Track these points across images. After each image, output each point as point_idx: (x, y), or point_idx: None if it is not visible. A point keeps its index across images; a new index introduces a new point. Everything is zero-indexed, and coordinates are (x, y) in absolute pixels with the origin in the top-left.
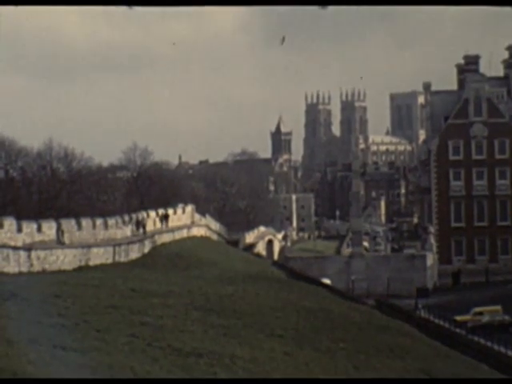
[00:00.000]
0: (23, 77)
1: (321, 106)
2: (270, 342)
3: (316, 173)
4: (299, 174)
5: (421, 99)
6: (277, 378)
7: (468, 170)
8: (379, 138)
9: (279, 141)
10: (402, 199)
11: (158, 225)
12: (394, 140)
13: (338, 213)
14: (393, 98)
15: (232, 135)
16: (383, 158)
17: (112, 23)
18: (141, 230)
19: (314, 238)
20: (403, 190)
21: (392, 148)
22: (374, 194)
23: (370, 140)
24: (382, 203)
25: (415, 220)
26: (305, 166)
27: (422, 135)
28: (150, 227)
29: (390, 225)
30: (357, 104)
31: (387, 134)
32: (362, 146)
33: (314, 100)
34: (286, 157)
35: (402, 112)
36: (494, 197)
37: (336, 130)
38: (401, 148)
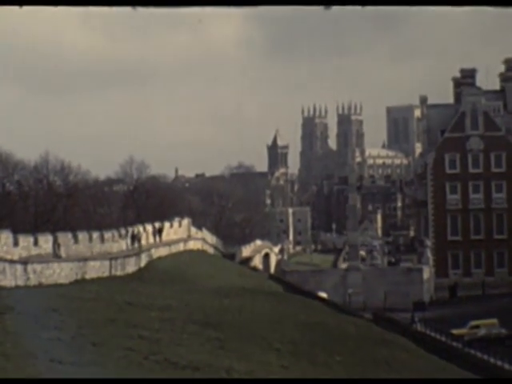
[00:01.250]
0: (20, 89)
1: (317, 120)
2: (267, 356)
3: (312, 186)
4: (296, 187)
5: (417, 113)
6: (277, 378)
7: (464, 183)
8: (375, 151)
9: (276, 154)
10: (399, 213)
11: (153, 239)
12: (391, 153)
13: (334, 226)
14: (389, 111)
15: (229, 148)
16: (379, 171)
17: (110, 36)
18: (136, 244)
19: (311, 251)
20: (399, 204)
21: (388, 161)
22: (370, 207)
23: (367, 153)
24: (379, 216)
25: (411, 233)
26: (301, 179)
27: (418, 148)
28: (145, 241)
29: (386, 238)
30: (353, 117)
31: (383, 147)
32: (358, 159)
33: (311, 113)
34: (282, 170)
35: (398, 125)
36: (490, 210)
37: (332, 143)
38: (397, 161)
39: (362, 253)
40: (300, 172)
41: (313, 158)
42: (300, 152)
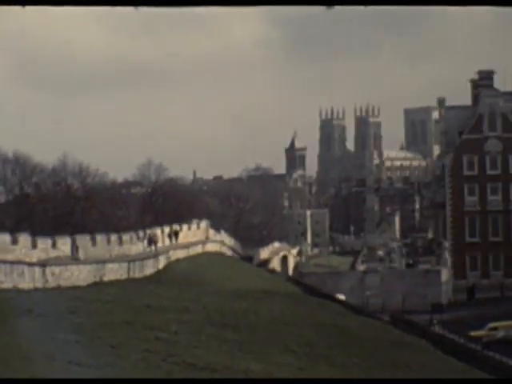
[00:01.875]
0: (37, 92)
1: (335, 122)
2: (285, 357)
3: (330, 188)
4: (314, 189)
5: (435, 114)
6: (277, 378)
7: (482, 185)
8: (393, 153)
9: (294, 156)
10: (417, 215)
11: (169, 241)
12: (409, 155)
13: (352, 228)
14: (407, 113)
15: (246, 151)
16: (398, 173)
17: (127, 37)
18: (152, 247)
19: (329, 253)
20: (418, 206)
21: (406, 163)
22: (388, 209)
23: (385, 155)
24: (397, 219)
25: (430, 235)
26: (319, 181)
27: (436, 150)
28: (162, 243)
29: (404, 240)
30: (371, 119)
31: (402, 149)
32: (376, 161)
33: (329, 115)
34: (300, 172)
35: (416, 127)
36: (508, 212)
37: (350, 145)
38: (415, 163)
39: (381, 253)
40: (318, 174)
41: (331, 160)
42: (318, 154)
